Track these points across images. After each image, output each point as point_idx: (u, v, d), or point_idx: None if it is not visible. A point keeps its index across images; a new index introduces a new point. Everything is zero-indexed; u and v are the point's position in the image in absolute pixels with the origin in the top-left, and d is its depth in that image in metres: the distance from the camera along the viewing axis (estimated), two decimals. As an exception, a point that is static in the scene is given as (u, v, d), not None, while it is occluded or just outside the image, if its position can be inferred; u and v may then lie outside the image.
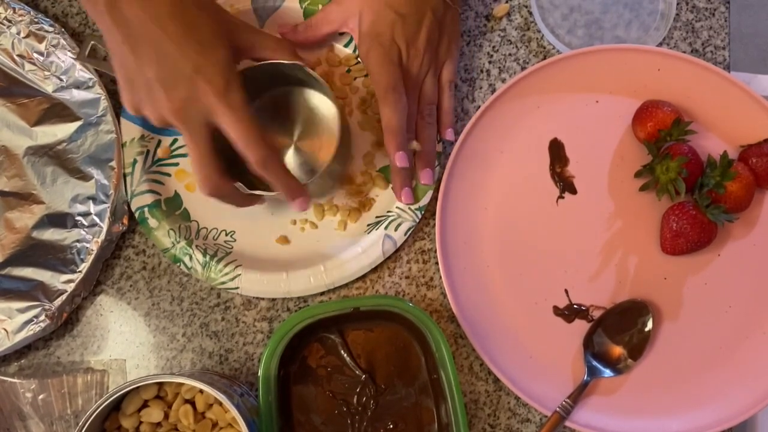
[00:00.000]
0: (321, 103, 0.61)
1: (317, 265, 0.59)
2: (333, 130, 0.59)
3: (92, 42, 0.60)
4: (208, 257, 0.59)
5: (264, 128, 0.58)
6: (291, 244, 0.61)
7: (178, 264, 0.59)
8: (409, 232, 0.60)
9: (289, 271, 0.59)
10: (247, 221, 0.61)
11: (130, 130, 0.61)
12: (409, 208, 0.60)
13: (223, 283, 0.59)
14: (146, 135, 0.61)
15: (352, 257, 0.59)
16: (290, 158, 0.60)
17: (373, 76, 0.56)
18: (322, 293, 0.60)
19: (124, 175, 0.60)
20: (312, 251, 0.60)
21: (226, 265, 0.59)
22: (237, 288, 0.59)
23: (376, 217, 0.61)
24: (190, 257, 0.59)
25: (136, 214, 0.60)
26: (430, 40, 0.57)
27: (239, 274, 0.59)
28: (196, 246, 0.60)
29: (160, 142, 0.62)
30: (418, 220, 0.60)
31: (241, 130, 0.49)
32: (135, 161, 0.61)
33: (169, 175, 0.62)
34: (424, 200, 0.60)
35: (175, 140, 0.62)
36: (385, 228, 0.60)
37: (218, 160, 0.50)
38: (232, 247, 0.61)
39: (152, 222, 0.60)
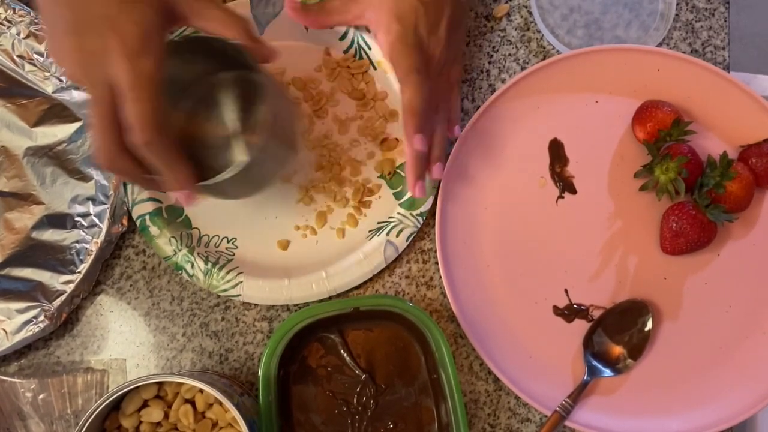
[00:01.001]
0: (260, 89, 0.53)
1: (319, 271, 0.59)
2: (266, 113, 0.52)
3: None
4: (209, 264, 0.59)
5: (199, 115, 0.56)
6: (293, 251, 0.61)
7: (180, 272, 0.59)
8: (411, 238, 0.59)
9: (290, 277, 0.59)
10: (248, 228, 0.61)
11: None
12: (411, 214, 0.60)
13: (225, 290, 0.59)
14: None
15: (354, 263, 0.59)
16: (228, 150, 0.56)
17: (395, 58, 0.53)
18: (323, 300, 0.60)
19: (125, 184, 0.60)
20: (313, 258, 0.60)
21: (228, 273, 0.59)
22: (239, 295, 0.59)
23: (378, 222, 0.60)
24: (192, 265, 0.59)
25: (138, 222, 0.60)
26: (449, 32, 0.56)
27: (241, 281, 0.59)
28: (198, 253, 0.60)
29: None
30: (419, 226, 0.59)
31: (136, 104, 0.43)
32: None
33: None
34: (426, 206, 0.60)
35: None
36: (387, 234, 0.59)
37: (118, 129, 0.44)
38: (233, 254, 0.61)
39: (153, 230, 0.60)
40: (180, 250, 0.59)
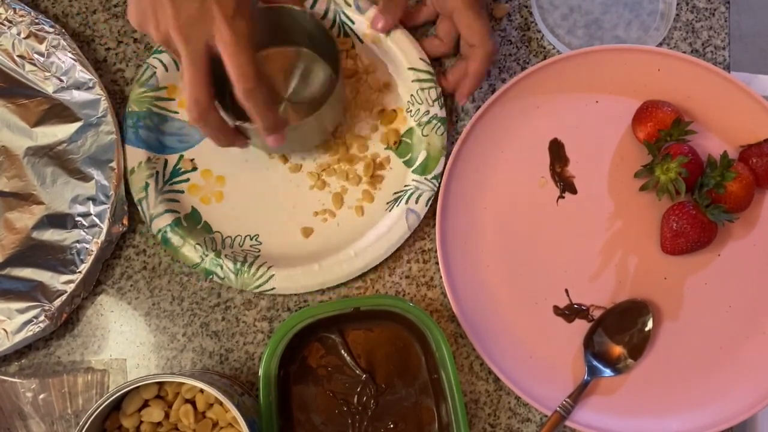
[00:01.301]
0: (319, 66, 0.62)
1: (346, 250, 0.59)
2: (325, 88, 0.61)
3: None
4: (239, 264, 0.59)
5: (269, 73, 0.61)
6: (316, 237, 0.61)
7: (211, 276, 0.59)
8: (430, 201, 0.60)
9: (320, 261, 0.59)
10: (268, 222, 0.61)
11: (136, 155, 0.61)
12: (425, 179, 0.60)
13: (258, 286, 0.59)
14: (152, 157, 0.61)
15: (380, 237, 0.59)
16: (281, 113, 0.60)
17: (467, 22, 0.56)
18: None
19: (138, 201, 0.60)
20: (338, 239, 0.61)
21: (258, 269, 0.59)
22: (273, 288, 0.59)
23: (394, 193, 0.61)
24: (221, 267, 0.59)
25: (159, 237, 0.59)
26: None
27: (273, 275, 0.59)
28: (225, 255, 0.59)
29: (167, 162, 0.62)
30: (436, 189, 0.60)
31: (238, 57, 0.48)
32: (147, 185, 0.60)
33: (182, 191, 0.62)
34: (438, 168, 0.60)
35: (181, 156, 0.62)
36: (406, 202, 0.60)
37: (211, 86, 0.50)
38: (259, 251, 0.61)
39: (176, 240, 0.59)
40: (207, 255, 0.59)
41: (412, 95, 0.61)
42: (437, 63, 0.64)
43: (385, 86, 0.63)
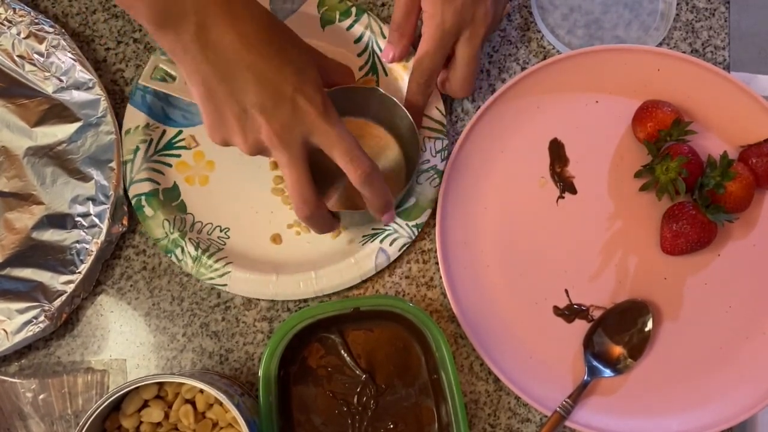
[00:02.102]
0: (385, 142, 0.62)
1: (308, 271, 0.59)
2: (399, 165, 0.61)
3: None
4: (199, 251, 0.59)
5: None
6: (284, 248, 0.61)
7: (169, 255, 0.59)
8: (404, 248, 0.59)
9: (279, 273, 0.59)
10: (243, 220, 0.61)
11: (136, 118, 0.61)
12: (407, 224, 0.60)
13: (211, 278, 0.59)
14: (151, 124, 0.61)
15: (344, 267, 0.59)
16: (343, 187, 0.60)
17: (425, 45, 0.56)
18: (305, 300, 0.60)
19: (124, 162, 0.60)
20: (304, 257, 0.60)
21: (216, 261, 0.59)
22: (225, 285, 0.59)
23: (373, 229, 0.60)
24: (182, 250, 0.59)
25: (133, 201, 0.60)
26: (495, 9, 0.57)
27: (229, 272, 0.59)
28: (189, 239, 0.60)
29: (164, 132, 0.62)
30: (414, 238, 0.59)
31: (344, 146, 0.49)
32: (137, 148, 0.60)
33: (170, 165, 0.62)
34: (422, 218, 0.60)
35: (180, 131, 0.62)
36: (381, 242, 0.59)
37: (313, 183, 0.50)
38: (225, 244, 0.61)
39: (148, 210, 0.60)
40: (171, 234, 0.59)
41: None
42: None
43: None
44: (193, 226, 0.61)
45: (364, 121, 0.62)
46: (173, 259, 0.59)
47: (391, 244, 0.59)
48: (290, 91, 0.47)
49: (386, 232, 0.60)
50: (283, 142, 0.48)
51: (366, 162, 0.49)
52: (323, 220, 0.52)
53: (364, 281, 0.61)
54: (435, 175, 0.60)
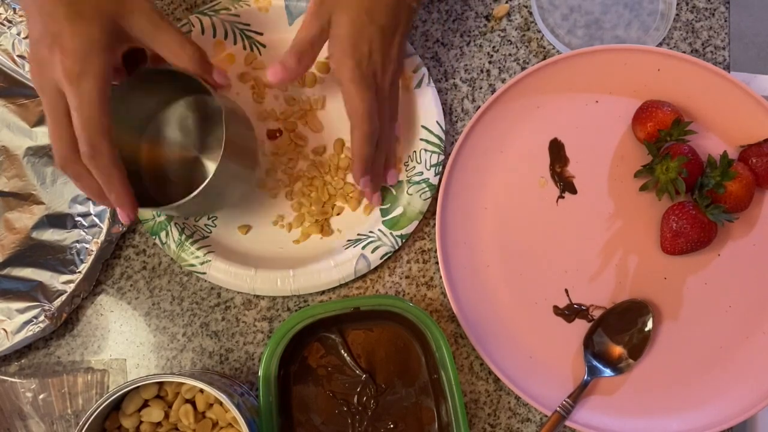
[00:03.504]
0: (215, 113, 0.58)
1: (287, 269, 0.59)
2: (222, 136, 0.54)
3: None
4: (183, 237, 0.59)
5: (165, 137, 0.59)
6: (266, 243, 0.61)
7: (154, 237, 0.60)
8: (386, 257, 0.59)
9: (258, 268, 0.59)
10: (232, 210, 0.61)
11: None
12: (391, 233, 0.59)
13: (192, 265, 0.59)
14: None
15: (323, 269, 0.59)
16: (191, 170, 0.59)
17: (348, 98, 0.52)
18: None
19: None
20: (286, 254, 0.60)
21: (199, 248, 0.59)
22: (204, 273, 0.59)
23: (358, 234, 0.60)
24: (167, 233, 0.59)
25: None
26: (400, 51, 0.55)
27: (209, 261, 0.59)
28: (175, 223, 0.60)
29: None
30: (396, 248, 0.59)
31: (78, 117, 0.46)
32: None
33: None
34: (408, 228, 0.59)
35: None
36: (363, 248, 0.59)
37: (72, 132, 0.47)
38: (210, 232, 0.61)
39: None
40: (159, 216, 0.60)
41: (414, 151, 0.61)
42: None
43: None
44: None
45: (207, 98, 0.58)
46: (157, 241, 0.60)
47: (373, 252, 0.59)
48: (50, 33, 0.45)
49: (370, 239, 0.59)
50: (37, 79, 0.47)
51: (86, 146, 0.46)
52: (81, 179, 0.49)
53: (365, 281, 0.61)
54: (426, 188, 0.60)
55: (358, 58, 0.51)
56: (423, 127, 0.61)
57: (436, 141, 0.60)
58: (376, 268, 0.61)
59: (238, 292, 0.61)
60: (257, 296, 0.60)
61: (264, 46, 0.63)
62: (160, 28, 0.49)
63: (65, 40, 0.45)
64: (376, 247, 0.59)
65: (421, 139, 0.61)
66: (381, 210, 0.61)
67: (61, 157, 0.48)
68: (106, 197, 0.50)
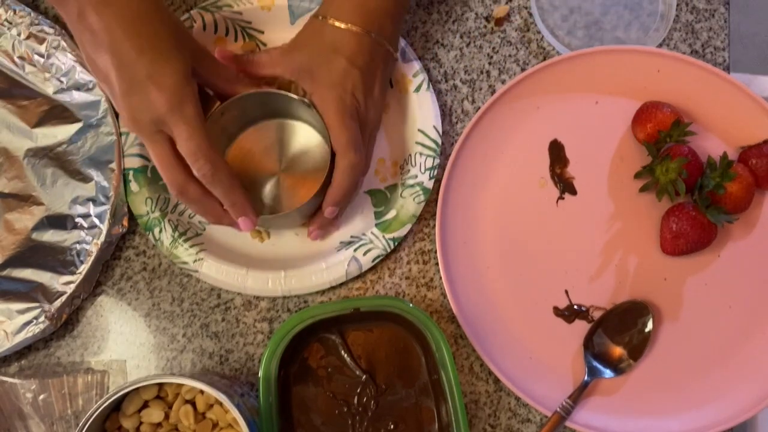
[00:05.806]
0: (311, 138, 0.60)
1: (278, 270, 0.59)
2: (320, 167, 0.59)
3: None
4: (177, 233, 0.59)
5: (250, 154, 0.60)
6: (258, 243, 0.61)
7: (148, 233, 0.60)
8: (377, 260, 0.59)
9: (250, 268, 0.59)
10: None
11: None
12: (383, 236, 0.59)
13: (185, 263, 0.59)
14: None
15: (315, 271, 0.59)
16: (272, 186, 0.60)
17: (333, 131, 0.54)
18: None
19: (121, 134, 0.61)
20: (277, 255, 0.61)
21: (192, 246, 0.59)
22: (196, 271, 0.59)
23: (351, 236, 0.60)
24: (161, 230, 0.60)
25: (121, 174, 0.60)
26: (382, 92, 0.57)
27: (202, 259, 0.59)
28: (169, 220, 0.60)
29: None
30: (388, 251, 0.59)
31: (187, 145, 0.49)
32: None
33: None
34: (401, 232, 0.59)
35: None
36: (355, 250, 0.59)
37: (181, 162, 0.51)
38: (204, 230, 0.61)
39: (134, 186, 0.60)
40: (153, 212, 0.60)
41: (410, 155, 0.61)
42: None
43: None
44: (176, 208, 0.61)
45: (286, 121, 0.61)
46: (151, 237, 0.60)
47: (364, 254, 0.59)
48: (143, 78, 0.48)
49: (362, 242, 0.59)
50: (136, 126, 0.50)
51: (207, 163, 0.50)
52: (199, 204, 0.53)
53: (365, 282, 0.61)
54: (420, 192, 0.60)
55: (341, 95, 0.54)
56: (419, 130, 0.61)
57: (432, 145, 0.60)
58: (376, 269, 0.61)
59: (239, 293, 0.61)
60: (257, 297, 0.61)
61: (265, 44, 0.64)
62: (219, 65, 0.56)
63: (158, 80, 0.49)
64: (368, 250, 0.59)
65: (417, 143, 0.61)
66: (374, 213, 0.61)
67: (177, 187, 0.51)
68: (224, 215, 0.54)
